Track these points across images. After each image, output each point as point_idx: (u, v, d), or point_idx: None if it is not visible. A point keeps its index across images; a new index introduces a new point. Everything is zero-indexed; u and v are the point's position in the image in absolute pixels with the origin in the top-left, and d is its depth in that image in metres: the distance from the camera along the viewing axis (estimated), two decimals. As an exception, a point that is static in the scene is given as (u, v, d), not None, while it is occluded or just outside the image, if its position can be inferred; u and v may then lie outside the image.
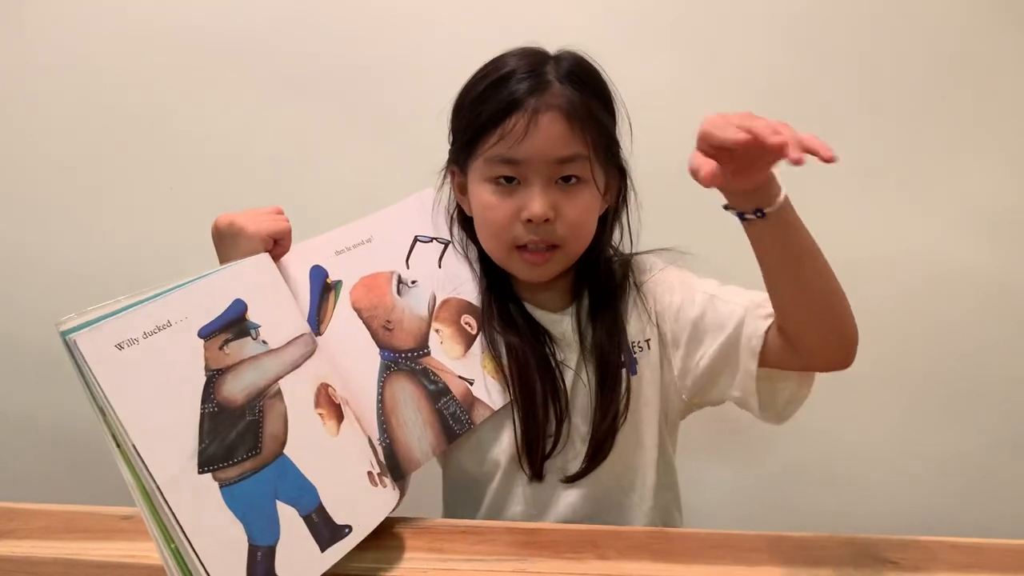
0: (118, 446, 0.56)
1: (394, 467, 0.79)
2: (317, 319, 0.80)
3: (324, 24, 1.26)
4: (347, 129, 1.29)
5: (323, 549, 0.65)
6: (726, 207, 0.74)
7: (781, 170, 1.24)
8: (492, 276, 0.89)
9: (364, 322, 0.82)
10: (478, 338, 0.87)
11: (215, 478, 0.60)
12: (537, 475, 0.86)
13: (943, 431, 1.30)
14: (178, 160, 1.33)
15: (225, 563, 0.58)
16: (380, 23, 1.25)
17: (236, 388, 0.64)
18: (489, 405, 0.84)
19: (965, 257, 1.24)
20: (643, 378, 0.88)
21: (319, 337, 0.78)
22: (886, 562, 0.70)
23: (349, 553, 0.68)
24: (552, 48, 0.84)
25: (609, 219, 0.89)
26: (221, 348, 0.64)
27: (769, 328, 0.79)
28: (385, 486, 0.76)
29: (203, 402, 0.61)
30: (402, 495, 0.78)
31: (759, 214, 0.73)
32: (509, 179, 0.81)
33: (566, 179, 0.81)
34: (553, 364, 0.86)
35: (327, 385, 0.74)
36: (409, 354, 0.83)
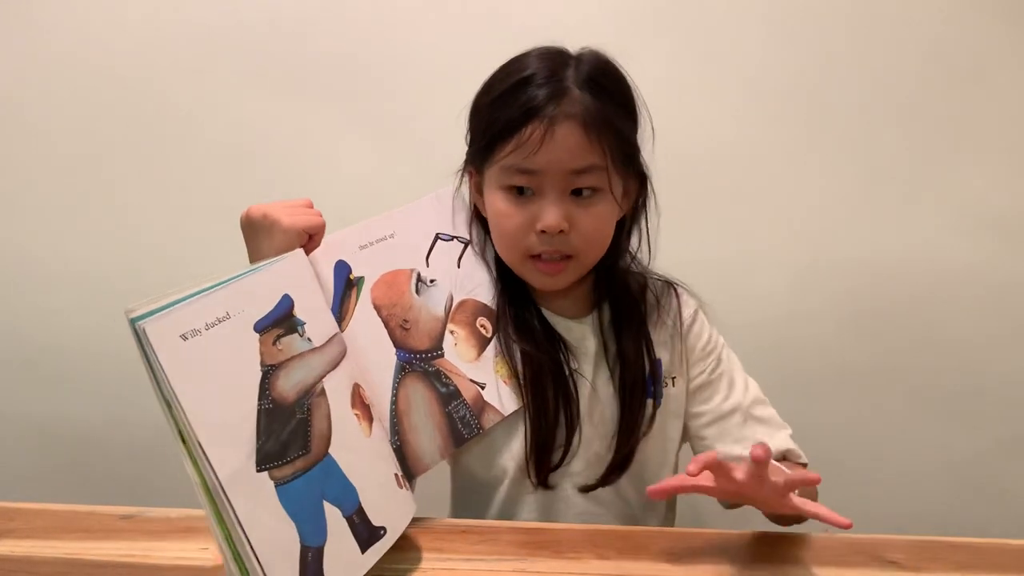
0: (184, 441, 0.54)
1: (404, 470, 0.77)
2: (339, 316, 0.78)
3: (325, 23, 1.24)
4: (349, 128, 1.27)
5: (363, 551, 0.64)
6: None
7: (779, 166, 1.27)
8: (508, 279, 0.87)
9: (383, 320, 0.81)
10: (492, 342, 0.86)
11: (271, 477, 0.58)
12: (542, 484, 0.85)
13: (943, 431, 1.31)
14: (179, 160, 1.30)
15: (281, 565, 0.57)
16: (382, 22, 1.23)
17: (288, 385, 0.62)
18: (499, 410, 0.84)
19: (965, 257, 1.25)
20: (668, 408, 0.88)
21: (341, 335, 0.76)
22: (886, 562, 0.71)
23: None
24: (573, 47, 0.82)
25: (627, 225, 0.88)
26: (274, 343, 0.62)
27: None
28: (406, 488, 0.75)
29: (260, 398, 0.59)
30: None
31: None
32: (524, 189, 0.80)
33: (582, 191, 0.79)
34: (567, 372, 0.85)
35: (359, 386, 0.73)
36: (424, 355, 0.82)
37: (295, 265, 0.70)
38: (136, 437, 1.33)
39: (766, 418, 0.88)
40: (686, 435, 0.92)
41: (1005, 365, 1.29)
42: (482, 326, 0.86)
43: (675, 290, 0.91)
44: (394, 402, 0.79)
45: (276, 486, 0.58)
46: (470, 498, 0.91)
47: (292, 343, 0.64)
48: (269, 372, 0.61)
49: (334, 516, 0.63)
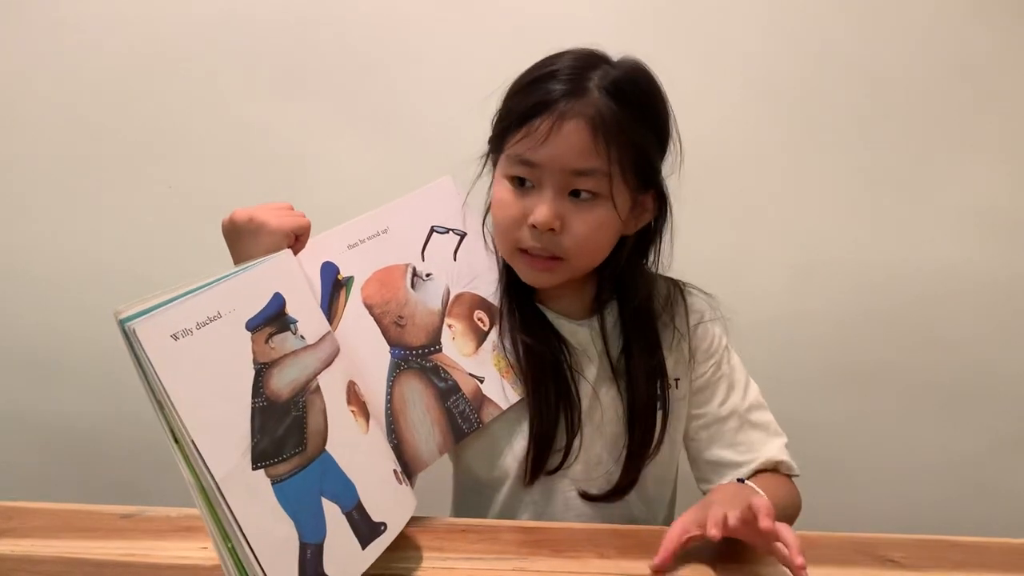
0: (176, 441, 0.53)
1: (402, 468, 0.76)
2: (328, 317, 0.76)
3: (324, 22, 1.23)
4: (347, 128, 1.26)
5: (363, 547, 0.64)
6: None
7: (778, 166, 1.27)
8: (513, 275, 0.86)
9: (375, 319, 0.80)
10: (490, 335, 0.85)
11: (267, 474, 0.57)
12: (538, 483, 0.84)
13: (943, 430, 1.31)
14: (177, 159, 1.29)
15: (280, 562, 0.56)
16: (380, 22, 1.22)
17: (282, 383, 0.61)
18: (498, 404, 0.83)
19: (965, 256, 1.25)
20: (674, 414, 0.87)
21: (331, 336, 0.76)
22: (887, 561, 0.71)
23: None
24: (566, 46, 0.80)
25: (646, 243, 0.86)
26: (267, 342, 0.61)
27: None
28: (406, 484, 0.74)
29: (253, 396, 0.58)
30: None
31: None
32: (524, 181, 0.79)
33: (579, 193, 0.77)
34: (567, 372, 0.84)
35: (354, 383, 0.72)
36: (420, 351, 0.81)
37: (284, 265, 0.69)
38: (136, 437, 1.32)
39: (763, 424, 0.87)
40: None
41: (1005, 364, 1.28)
42: (479, 319, 0.85)
43: (682, 291, 0.89)
44: (389, 401, 0.78)
45: (273, 484, 0.58)
46: (471, 498, 0.90)
47: (285, 341, 0.63)
48: (262, 370, 0.60)
49: (333, 512, 0.62)
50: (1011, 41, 1.18)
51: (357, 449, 0.68)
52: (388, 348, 0.80)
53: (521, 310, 0.85)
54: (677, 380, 0.87)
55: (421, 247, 0.85)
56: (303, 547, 0.58)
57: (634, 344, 0.85)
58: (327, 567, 0.60)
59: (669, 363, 0.86)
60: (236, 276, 0.62)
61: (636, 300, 0.86)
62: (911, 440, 1.32)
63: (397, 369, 0.80)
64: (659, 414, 0.85)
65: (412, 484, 0.79)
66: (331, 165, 1.27)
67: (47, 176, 1.31)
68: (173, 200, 1.29)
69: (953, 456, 1.32)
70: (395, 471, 0.73)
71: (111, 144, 1.28)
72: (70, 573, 0.68)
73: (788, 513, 0.81)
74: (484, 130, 0.85)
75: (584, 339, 0.86)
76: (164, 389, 0.52)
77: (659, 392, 0.85)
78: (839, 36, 1.20)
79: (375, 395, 0.77)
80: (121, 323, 0.52)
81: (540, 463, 0.83)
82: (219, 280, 0.60)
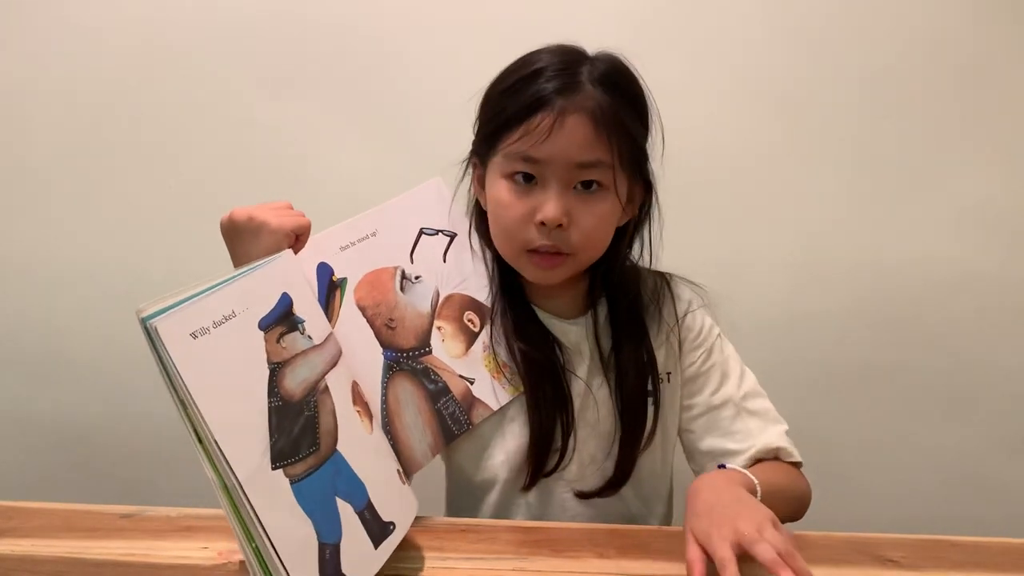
0: (200, 441, 0.52)
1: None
2: (326, 316, 0.75)
3: (323, 22, 1.22)
4: (346, 127, 1.25)
5: (376, 546, 0.63)
6: None
7: (779, 166, 1.26)
8: (505, 277, 0.85)
9: (368, 320, 0.79)
10: (481, 336, 0.84)
11: (286, 474, 0.57)
12: (530, 486, 0.84)
13: (943, 431, 1.31)
14: (177, 159, 1.28)
15: (302, 562, 0.56)
16: (379, 21, 1.22)
17: (294, 382, 0.61)
18: (489, 405, 0.82)
19: (965, 257, 1.25)
20: (666, 408, 0.86)
21: (328, 336, 0.75)
22: (886, 561, 0.70)
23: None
24: (590, 48, 0.80)
25: (629, 231, 0.85)
26: (278, 341, 0.61)
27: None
28: (408, 485, 0.74)
29: (269, 395, 0.58)
30: None
31: None
32: (528, 177, 0.77)
33: (586, 185, 0.77)
34: (561, 373, 0.83)
35: (357, 383, 0.71)
36: (411, 353, 0.81)
37: (288, 265, 0.68)
38: (136, 437, 1.32)
39: (760, 411, 0.85)
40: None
41: (1005, 364, 1.29)
42: (470, 321, 0.85)
43: (668, 283, 0.89)
44: (384, 402, 0.78)
45: (291, 484, 0.57)
46: (464, 500, 0.89)
47: (295, 341, 0.63)
48: (276, 369, 0.59)
49: (347, 512, 0.62)
50: (1011, 41, 1.19)
51: (364, 449, 0.67)
52: (381, 349, 0.79)
53: (514, 313, 0.85)
54: (669, 374, 0.86)
55: (410, 249, 0.84)
56: (322, 547, 0.58)
57: (624, 339, 0.85)
58: (345, 567, 0.59)
59: (660, 357, 0.86)
60: (246, 276, 0.61)
61: (627, 296, 0.86)
62: (911, 440, 1.32)
63: (390, 371, 0.79)
64: (650, 405, 0.84)
65: (408, 485, 0.78)
66: (331, 165, 1.26)
67: (47, 176, 1.29)
68: (173, 200, 1.28)
69: (953, 456, 1.32)
70: (398, 471, 0.73)
71: (111, 144, 1.27)
72: (70, 573, 0.68)
73: (790, 498, 0.79)
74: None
75: (576, 337, 0.86)
76: (186, 388, 0.51)
77: (650, 385, 0.84)
78: (839, 36, 1.20)
79: (371, 396, 0.77)
80: (143, 321, 0.50)
81: (540, 466, 0.83)
82: (231, 279, 0.59)
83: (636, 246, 0.87)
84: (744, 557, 0.61)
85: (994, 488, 1.32)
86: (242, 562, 0.67)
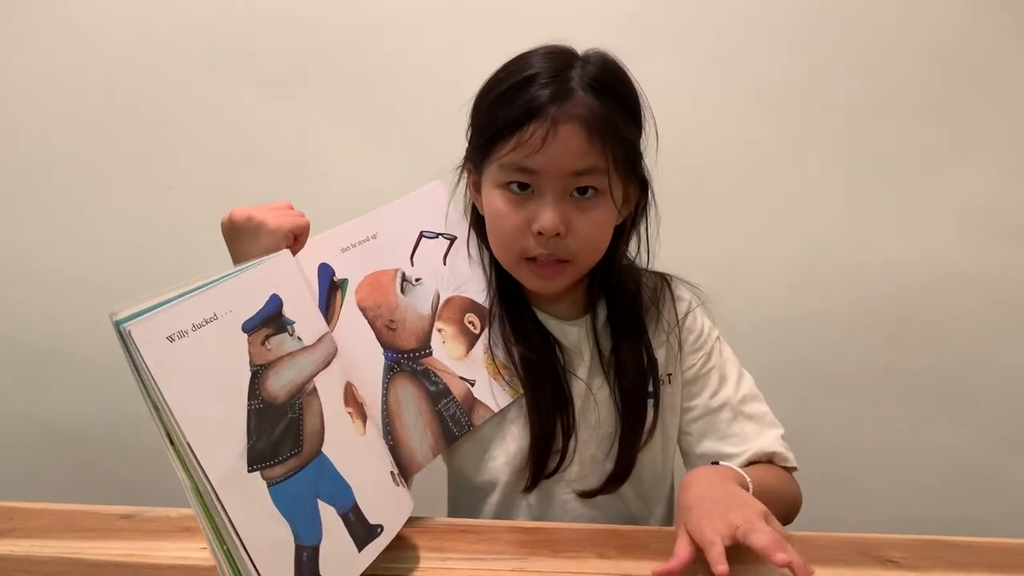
0: (172, 444, 0.52)
1: (399, 469, 0.75)
2: (325, 319, 0.75)
3: (324, 24, 1.22)
4: (347, 127, 1.25)
5: (359, 549, 0.62)
6: None
7: (779, 166, 1.24)
8: (503, 281, 0.84)
9: (369, 322, 0.79)
10: (480, 338, 0.84)
11: (263, 477, 0.56)
12: (531, 488, 0.83)
13: (942, 430, 1.30)
14: (177, 159, 1.28)
15: (275, 565, 0.55)
16: (380, 21, 1.22)
17: (278, 384, 0.60)
18: (489, 407, 0.82)
19: (965, 256, 1.24)
20: (666, 408, 0.85)
21: (328, 337, 0.74)
22: (886, 561, 0.69)
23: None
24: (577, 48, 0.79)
25: (626, 230, 0.84)
26: (263, 343, 0.60)
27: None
28: (402, 486, 0.73)
29: (250, 398, 0.57)
30: None
31: None
32: (523, 186, 0.76)
33: (581, 191, 0.76)
34: (561, 375, 0.83)
35: (351, 384, 0.71)
36: (411, 355, 0.80)
37: (282, 265, 0.68)
38: (136, 437, 1.29)
39: (757, 415, 0.84)
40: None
41: (1004, 364, 1.27)
42: (470, 322, 0.84)
43: (668, 284, 0.88)
44: (385, 403, 0.77)
45: (269, 486, 0.56)
46: (465, 501, 0.88)
47: (282, 343, 0.62)
48: (259, 372, 0.58)
49: (329, 515, 0.61)
50: (1011, 41, 1.18)
51: (354, 451, 0.66)
52: (382, 350, 0.79)
53: (513, 316, 0.84)
54: (669, 375, 0.85)
55: (410, 252, 0.84)
56: (299, 549, 0.57)
57: (624, 339, 0.84)
58: (323, 570, 0.58)
59: (660, 357, 0.85)
60: (233, 277, 0.60)
61: (626, 296, 0.85)
62: (910, 439, 1.31)
63: (391, 372, 0.79)
64: (650, 404, 0.84)
65: (408, 486, 0.77)
66: (332, 165, 1.26)
67: (47, 177, 1.30)
68: (173, 200, 1.28)
69: (952, 456, 1.31)
70: (392, 473, 0.71)
71: (111, 145, 1.28)
72: (70, 573, 0.68)
73: (781, 500, 0.78)
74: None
75: (576, 338, 0.85)
76: (159, 391, 0.51)
77: (650, 384, 0.83)
78: (839, 36, 1.19)
79: (372, 397, 0.76)
80: (116, 324, 0.50)
81: (541, 468, 0.82)
82: (216, 281, 0.59)
83: (633, 244, 0.86)
84: (735, 557, 0.60)
85: (994, 488, 1.30)
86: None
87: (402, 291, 0.82)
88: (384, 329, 0.80)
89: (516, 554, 0.71)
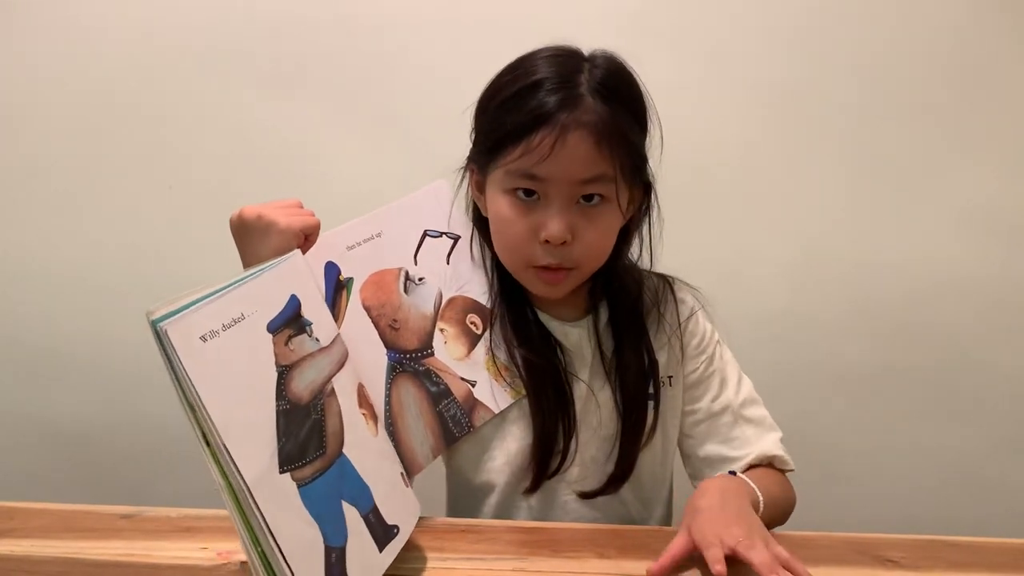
0: (208, 444, 0.51)
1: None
2: (332, 317, 0.74)
3: (323, 22, 1.21)
4: (347, 127, 1.24)
5: (380, 549, 0.63)
6: None
7: (779, 166, 1.25)
8: (505, 282, 0.84)
9: (373, 321, 0.78)
10: (482, 339, 0.83)
11: (293, 478, 0.56)
12: (537, 490, 0.83)
13: (942, 429, 1.31)
14: (177, 159, 1.27)
15: (308, 566, 0.55)
16: (380, 21, 1.21)
17: (302, 385, 0.59)
18: (490, 408, 0.82)
19: (965, 258, 1.25)
20: (667, 410, 0.86)
21: (335, 336, 0.73)
22: (886, 561, 0.70)
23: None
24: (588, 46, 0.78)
25: (629, 232, 0.84)
26: (287, 344, 0.59)
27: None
28: (410, 487, 0.73)
29: (277, 399, 0.57)
30: None
31: None
32: (529, 192, 0.76)
33: (587, 198, 0.75)
34: (564, 378, 0.83)
35: (363, 385, 0.70)
36: (413, 355, 0.80)
37: (297, 266, 0.67)
38: (136, 437, 1.30)
39: (757, 419, 0.85)
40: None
41: (1004, 364, 1.28)
42: (472, 323, 0.84)
43: (671, 286, 0.87)
44: (388, 403, 0.77)
45: (298, 487, 0.56)
46: (464, 502, 0.88)
47: (303, 343, 0.62)
48: (284, 372, 0.58)
49: (352, 516, 0.61)
50: (1011, 41, 1.18)
51: (369, 451, 0.66)
52: (385, 351, 0.78)
53: (515, 317, 0.84)
54: (671, 378, 0.85)
55: (414, 251, 0.84)
56: (328, 551, 0.57)
57: (625, 341, 0.84)
58: (350, 570, 0.58)
59: (662, 359, 0.85)
60: (256, 278, 0.60)
61: (628, 298, 0.85)
62: (909, 439, 1.31)
63: (394, 372, 0.78)
64: (650, 406, 0.84)
65: (410, 487, 0.76)
66: (332, 166, 1.25)
67: (48, 177, 1.28)
68: (174, 200, 1.27)
69: (952, 456, 1.31)
70: (401, 473, 0.72)
71: (112, 145, 1.26)
72: (70, 573, 0.67)
73: (781, 509, 0.80)
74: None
75: (577, 339, 0.85)
76: (196, 391, 0.50)
77: (651, 386, 0.84)
78: (838, 35, 1.20)
79: (375, 397, 0.76)
80: (153, 324, 0.49)
81: (543, 469, 0.82)
82: (240, 282, 0.58)
83: (635, 246, 0.86)
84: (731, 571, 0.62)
85: (994, 488, 1.31)
86: (243, 563, 0.66)
87: (405, 290, 0.81)
88: (388, 329, 0.79)
89: (516, 554, 0.71)
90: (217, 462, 0.52)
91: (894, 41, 1.20)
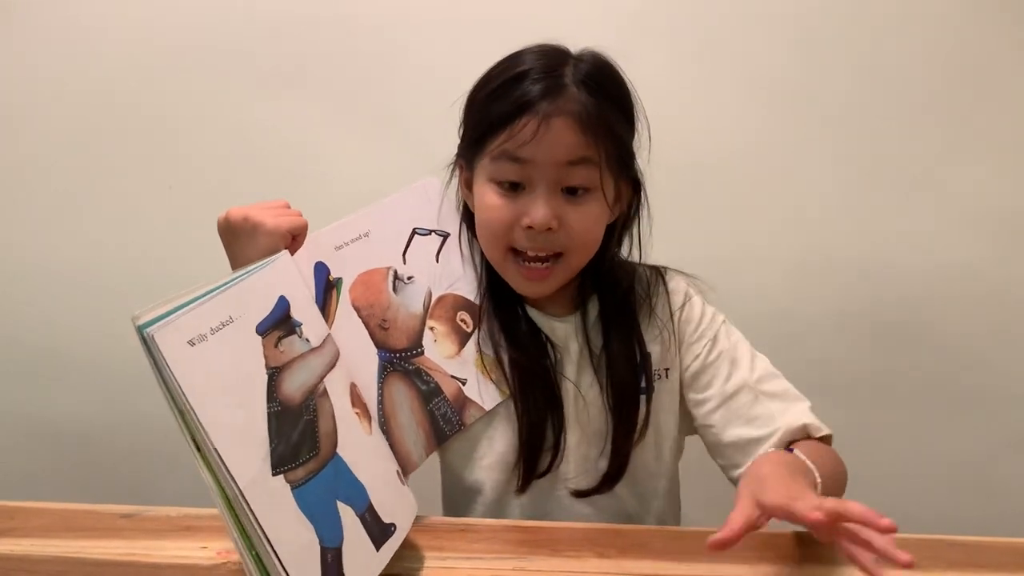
0: (199, 449, 0.51)
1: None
2: (323, 318, 0.74)
3: (323, 22, 1.21)
4: (347, 127, 1.24)
5: (377, 548, 0.63)
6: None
7: (778, 165, 1.25)
8: (494, 279, 0.83)
9: (363, 321, 0.78)
10: (472, 337, 0.83)
11: (286, 480, 0.56)
12: (522, 489, 0.83)
13: (942, 429, 1.31)
14: (177, 159, 1.27)
15: (303, 568, 0.55)
16: (380, 21, 1.21)
17: (293, 386, 0.59)
18: (481, 406, 0.81)
19: (964, 255, 1.24)
20: (661, 404, 0.84)
21: (326, 337, 0.73)
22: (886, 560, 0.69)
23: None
24: (574, 47, 0.78)
25: (618, 229, 0.83)
26: (276, 345, 0.59)
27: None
28: (406, 485, 0.73)
29: (268, 401, 0.57)
30: None
31: None
32: (515, 185, 0.75)
33: (571, 191, 0.75)
34: (552, 373, 0.82)
35: (355, 384, 0.70)
36: (403, 354, 0.79)
37: (285, 267, 0.67)
38: (136, 437, 1.31)
39: (779, 392, 0.80)
40: (691, 427, 0.86)
41: (1004, 363, 1.28)
42: (462, 321, 0.84)
43: (662, 277, 0.86)
44: (380, 403, 0.77)
45: (292, 489, 0.56)
46: (457, 501, 0.87)
47: (293, 344, 0.61)
48: (275, 374, 0.58)
49: (348, 515, 0.61)
50: (1011, 41, 1.18)
51: (364, 451, 0.66)
52: (376, 350, 0.78)
53: (503, 314, 0.83)
54: (667, 370, 0.84)
55: (403, 250, 0.83)
56: (324, 552, 0.57)
57: (615, 336, 0.83)
58: (347, 570, 0.58)
59: (656, 353, 0.83)
60: (244, 280, 0.59)
61: (619, 292, 0.84)
62: (909, 439, 1.31)
63: (385, 371, 0.78)
64: (642, 400, 0.83)
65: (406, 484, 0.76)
66: (331, 165, 1.24)
67: (47, 177, 1.29)
68: (173, 200, 1.27)
69: (953, 456, 1.31)
70: (397, 472, 0.72)
71: (111, 145, 1.27)
72: (70, 573, 0.67)
73: (840, 484, 0.76)
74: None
75: (565, 335, 0.84)
76: (185, 396, 0.50)
77: (642, 380, 0.83)
78: (839, 35, 1.19)
79: (368, 397, 0.75)
80: (139, 329, 0.49)
81: (531, 469, 0.82)
82: (228, 284, 0.58)
83: (625, 244, 0.85)
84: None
85: (994, 488, 1.31)
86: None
87: (394, 289, 0.81)
88: (377, 328, 0.79)
89: (516, 553, 0.71)
90: (209, 467, 0.52)
91: (894, 40, 1.20)
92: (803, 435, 0.78)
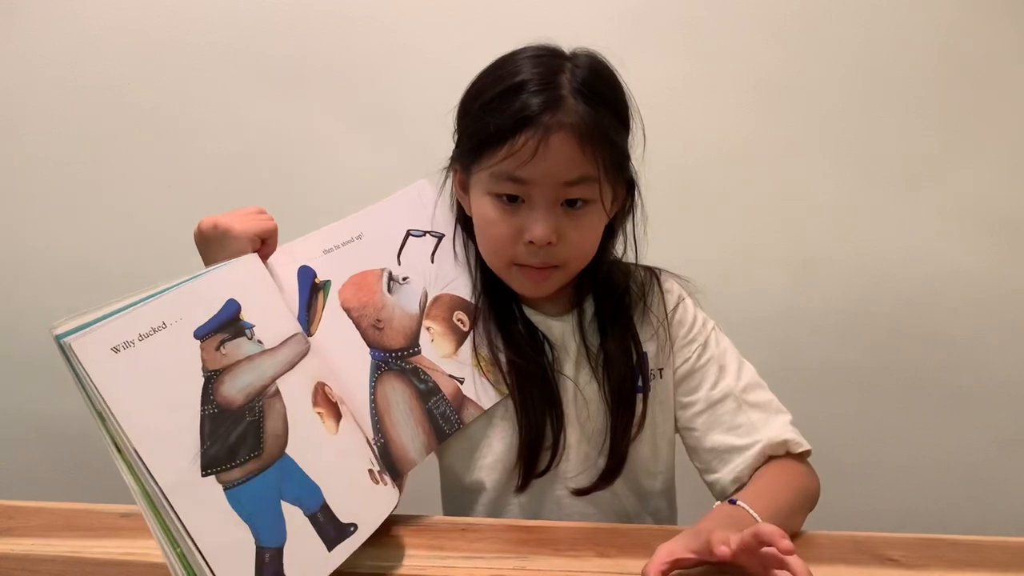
0: (119, 451, 0.53)
1: (390, 467, 0.75)
2: (307, 320, 0.76)
3: (322, 21, 1.23)
4: (347, 127, 1.26)
5: (330, 548, 0.62)
6: None
7: (778, 165, 1.24)
8: (489, 279, 0.84)
9: (354, 322, 0.79)
10: (469, 336, 0.83)
11: (219, 480, 0.56)
12: (522, 488, 0.83)
13: (942, 429, 1.30)
14: (177, 159, 1.30)
15: (233, 566, 0.55)
16: (380, 21, 1.22)
17: (234, 388, 0.60)
18: (479, 405, 0.81)
19: (964, 256, 1.24)
20: (658, 403, 0.84)
21: (310, 338, 0.74)
22: (887, 560, 0.69)
23: (347, 552, 0.64)
24: (570, 46, 0.78)
25: (614, 229, 0.84)
26: (218, 349, 0.60)
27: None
28: (386, 484, 0.72)
29: (203, 404, 0.58)
30: (400, 494, 0.75)
31: None
32: (513, 198, 0.76)
33: (571, 203, 0.76)
34: (550, 373, 0.82)
35: (323, 384, 0.70)
36: (399, 353, 0.80)
37: (246, 269, 0.68)
38: None
39: (762, 403, 0.81)
40: (677, 427, 0.86)
41: (1003, 363, 1.27)
42: (459, 320, 0.84)
43: (657, 277, 0.86)
44: (373, 401, 0.77)
45: (225, 489, 0.57)
46: (457, 501, 0.87)
47: (238, 347, 0.62)
48: (212, 377, 0.59)
49: (294, 515, 0.61)
50: (1011, 41, 1.18)
51: (323, 451, 0.66)
52: (368, 350, 0.79)
53: (499, 315, 0.83)
54: (661, 370, 0.84)
55: (397, 251, 0.84)
56: (260, 551, 0.57)
57: (611, 335, 0.83)
58: (288, 570, 0.58)
59: (650, 352, 0.84)
60: (184, 285, 0.61)
61: (615, 291, 0.84)
62: (910, 438, 1.30)
63: (378, 370, 0.78)
64: (639, 398, 0.83)
65: (403, 483, 0.77)
66: (331, 165, 1.26)
67: (48, 177, 1.32)
68: (173, 200, 1.30)
69: (952, 455, 1.30)
70: (371, 471, 0.71)
71: (111, 144, 1.30)
72: (70, 572, 0.68)
73: (797, 511, 0.75)
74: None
75: (562, 333, 0.84)
76: (104, 401, 0.52)
77: (638, 378, 0.83)
78: (839, 35, 1.19)
79: (357, 396, 0.76)
80: (57, 339, 0.51)
81: (531, 468, 0.82)
82: (167, 289, 0.60)
83: (620, 244, 0.86)
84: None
85: (994, 487, 1.30)
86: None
87: (389, 290, 0.82)
88: (371, 329, 0.79)
89: (516, 553, 0.70)
90: (130, 468, 0.54)
91: (894, 40, 1.18)
92: (783, 451, 0.79)
